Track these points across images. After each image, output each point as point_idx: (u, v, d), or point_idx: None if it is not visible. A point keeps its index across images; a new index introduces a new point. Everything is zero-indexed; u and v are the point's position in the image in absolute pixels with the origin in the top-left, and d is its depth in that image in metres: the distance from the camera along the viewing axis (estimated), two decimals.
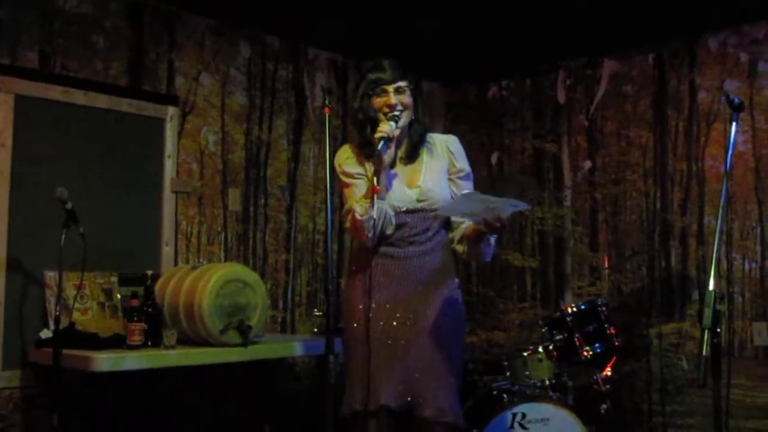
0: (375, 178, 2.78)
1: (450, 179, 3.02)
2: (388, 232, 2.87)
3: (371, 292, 2.90)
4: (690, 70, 4.70)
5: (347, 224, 2.86)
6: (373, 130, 2.86)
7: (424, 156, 2.99)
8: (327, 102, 2.72)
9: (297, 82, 4.83)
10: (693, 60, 4.70)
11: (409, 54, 4.90)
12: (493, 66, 5.42)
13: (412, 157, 2.96)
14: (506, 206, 2.69)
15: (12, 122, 3.60)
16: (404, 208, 2.88)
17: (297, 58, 4.84)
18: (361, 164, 2.93)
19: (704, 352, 2.21)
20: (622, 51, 4.96)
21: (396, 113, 2.84)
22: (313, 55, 4.92)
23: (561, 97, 5.26)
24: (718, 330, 2.31)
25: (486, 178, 5.51)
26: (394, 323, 2.88)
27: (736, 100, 2.58)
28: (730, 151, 2.57)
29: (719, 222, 2.47)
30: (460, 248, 3.00)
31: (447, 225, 3.04)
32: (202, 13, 4.34)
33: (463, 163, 3.06)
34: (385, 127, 2.78)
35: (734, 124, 2.59)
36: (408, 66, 2.93)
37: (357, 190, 2.89)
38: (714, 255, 2.45)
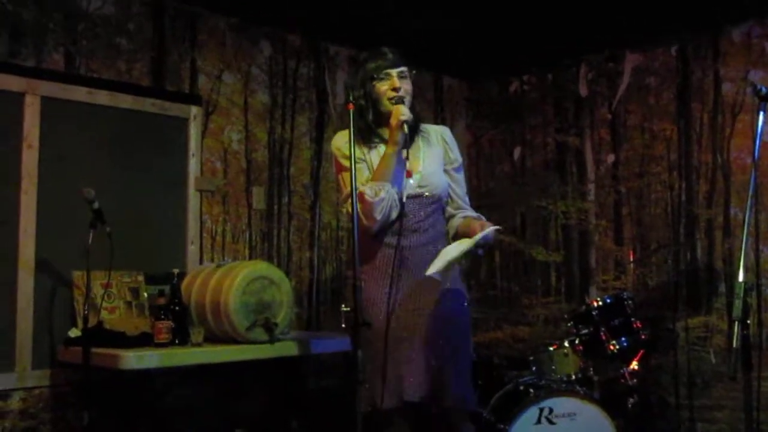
0: (407, 161, 2.82)
1: (445, 170, 3.08)
2: (393, 216, 2.88)
3: (382, 287, 2.91)
4: (714, 62, 4.66)
5: (346, 209, 2.87)
6: (375, 116, 2.92)
7: (420, 143, 3.04)
8: (351, 98, 2.73)
9: (318, 79, 4.84)
10: (716, 51, 4.65)
11: (430, 50, 4.93)
12: (514, 61, 5.40)
13: (408, 144, 2.94)
14: (483, 239, 2.77)
15: (39, 124, 3.64)
16: (405, 195, 2.90)
17: (318, 55, 4.85)
18: (359, 149, 2.95)
19: (734, 344, 2.20)
20: (644, 44, 4.92)
21: (401, 96, 2.88)
22: (334, 52, 4.93)
23: (583, 91, 5.23)
24: (748, 322, 2.30)
25: (509, 174, 5.49)
26: (407, 315, 2.90)
27: (764, 90, 2.57)
28: (757, 141, 2.55)
29: (747, 213, 2.46)
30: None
31: (443, 215, 3.10)
32: (222, 12, 4.36)
33: (456, 153, 3.13)
34: (405, 111, 2.82)
35: (762, 114, 2.57)
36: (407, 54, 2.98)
37: (359, 174, 2.88)
38: (743, 246, 2.43)
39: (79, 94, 3.78)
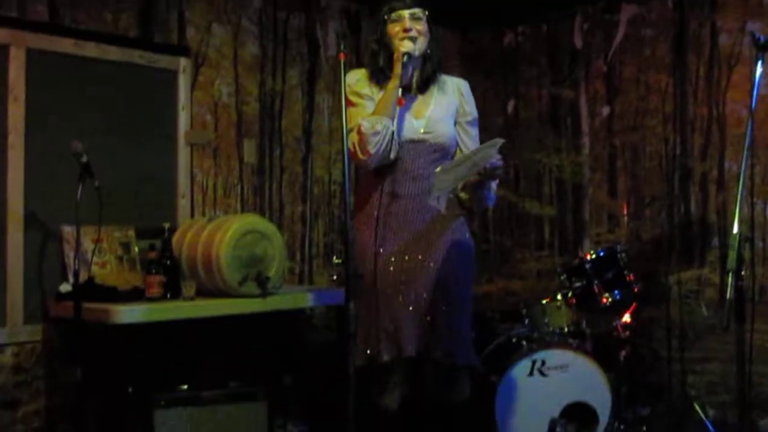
0: (399, 90, 2.81)
1: (458, 123, 3.06)
2: (392, 156, 2.85)
3: (378, 237, 2.90)
4: (711, 13, 4.59)
5: (349, 143, 2.82)
6: (387, 59, 2.91)
7: (435, 91, 3.02)
8: (342, 47, 2.69)
9: (309, 31, 4.76)
10: (714, 2, 4.58)
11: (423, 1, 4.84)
12: (508, 12, 5.32)
13: (421, 89, 2.99)
14: (487, 152, 2.73)
15: (24, 76, 3.56)
16: (408, 138, 2.88)
17: (309, 6, 4.76)
18: (370, 88, 2.96)
19: (728, 295, 2.20)
20: None
21: (412, 36, 2.87)
22: (325, 4, 4.84)
23: (578, 43, 5.16)
24: (742, 273, 2.29)
25: (502, 126, 5.44)
26: (403, 267, 2.88)
27: (762, 39, 2.52)
28: (755, 92, 2.51)
29: (744, 164, 2.43)
30: (463, 195, 3.01)
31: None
32: None
33: (472, 107, 3.10)
34: (408, 44, 2.83)
35: (759, 63, 2.53)
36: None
37: (364, 110, 2.90)
38: (738, 198, 2.41)
39: (65, 45, 3.70)
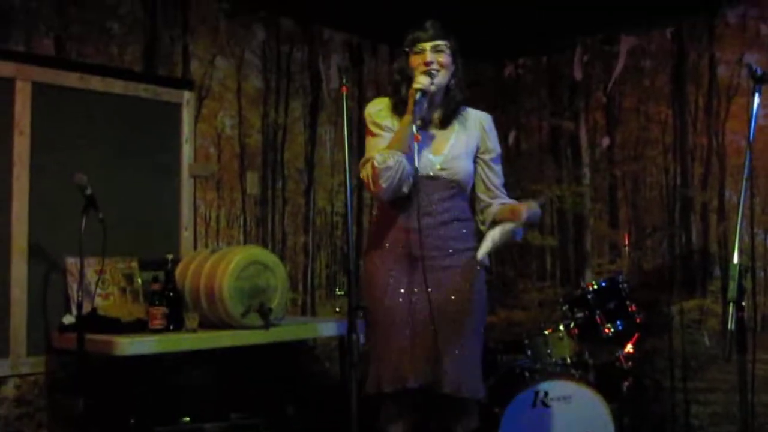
0: (414, 126, 2.78)
1: (481, 158, 3.04)
2: (405, 189, 2.85)
3: (388, 268, 2.90)
4: (709, 44, 4.64)
5: (362, 173, 2.86)
6: (409, 89, 2.85)
7: (456, 126, 2.99)
8: (344, 81, 2.71)
9: (312, 64, 4.81)
10: (712, 33, 4.63)
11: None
12: (508, 44, 5.37)
13: (443, 124, 2.97)
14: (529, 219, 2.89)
15: (29, 110, 3.60)
16: (424, 174, 2.88)
17: (312, 39, 4.81)
18: (392, 120, 2.94)
19: (730, 326, 2.20)
20: (639, 26, 4.90)
21: (432, 70, 2.83)
22: (328, 37, 4.90)
23: (578, 74, 5.21)
24: (743, 304, 2.30)
25: (503, 158, 5.46)
26: (412, 300, 2.88)
27: (759, 71, 2.55)
28: (752, 124, 2.54)
29: (743, 195, 2.45)
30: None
31: (470, 200, 3.05)
32: None
33: (494, 143, 3.07)
34: (423, 80, 2.79)
35: (757, 96, 2.56)
36: (450, 31, 2.96)
37: (381, 141, 2.89)
38: (738, 228, 2.42)
39: (71, 79, 3.74)
